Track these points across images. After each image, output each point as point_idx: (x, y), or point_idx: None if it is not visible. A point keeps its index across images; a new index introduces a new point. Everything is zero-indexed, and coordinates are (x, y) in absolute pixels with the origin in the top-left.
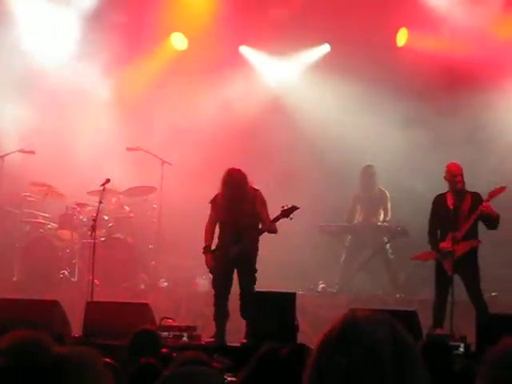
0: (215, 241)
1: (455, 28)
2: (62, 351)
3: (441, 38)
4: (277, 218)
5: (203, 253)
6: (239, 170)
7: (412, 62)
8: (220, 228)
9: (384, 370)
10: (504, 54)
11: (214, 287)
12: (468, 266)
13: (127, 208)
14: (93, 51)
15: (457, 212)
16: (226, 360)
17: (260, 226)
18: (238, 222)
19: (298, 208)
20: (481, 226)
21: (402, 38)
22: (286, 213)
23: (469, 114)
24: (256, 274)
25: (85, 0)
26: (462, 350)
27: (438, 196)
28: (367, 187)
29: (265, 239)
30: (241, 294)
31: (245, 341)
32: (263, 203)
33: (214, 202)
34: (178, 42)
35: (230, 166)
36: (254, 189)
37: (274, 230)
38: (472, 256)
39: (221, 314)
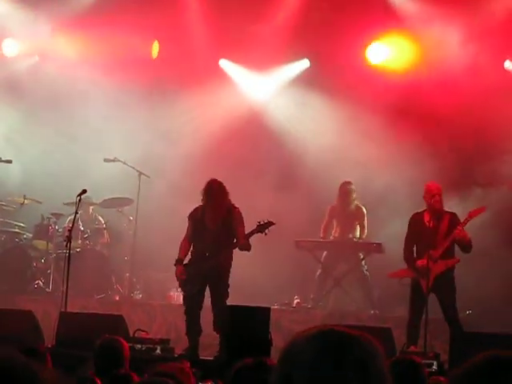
0: (189, 256)
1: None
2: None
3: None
4: (251, 233)
5: (175, 265)
6: (220, 182)
7: (388, 78)
8: (194, 243)
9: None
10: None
11: (184, 303)
12: (445, 285)
13: (103, 219)
14: (67, 57)
15: (434, 231)
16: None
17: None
18: (213, 237)
19: (274, 223)
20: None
21: (379, 53)
22: (261, 228)
23: (445, 128)
24: (228, 289)
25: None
26: (435, 367)
27: (415, 214)
28: (345, 203)
29: (240, 253)
30: (213, 309)
31: (218, 354)
32: (240, 221)
33: (191, 217)
34: (156, 50)
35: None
36: (232, 206)
37: (246, 248)
38: (449, 275)
39: (193, 330)
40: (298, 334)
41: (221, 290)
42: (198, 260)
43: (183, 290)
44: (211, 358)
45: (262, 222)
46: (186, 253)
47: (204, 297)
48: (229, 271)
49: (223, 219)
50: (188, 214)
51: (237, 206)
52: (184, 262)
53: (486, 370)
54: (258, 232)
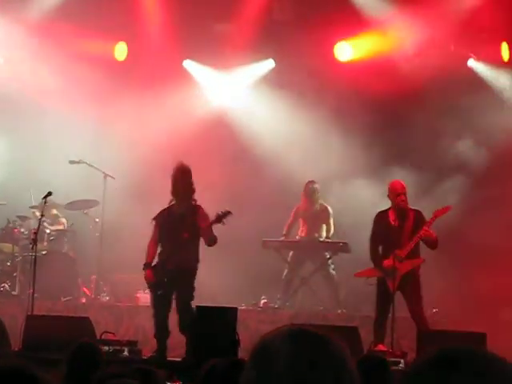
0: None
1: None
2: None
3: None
4: (211, 224)
5: (143, 269)
6: (187, 166)
7: (356, 75)
8: (161, 244)
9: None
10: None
11: (152, 306)
12: (411, 283)
13: (69, 222)
14: (32, 60)
15: (400, 230)
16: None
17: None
18: (179, 237)
19: (231, 213)
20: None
21: (344, 51)
22: (219, 218)
23: (414, 127)
24: (194, 292)
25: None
26: (402, 365)
27: (379, 213)
28: (309, 202)
29: (207, 254)
30: (177, 311)
31: (185, 356)
32: (206, 218)
33: (157, 218)
34: (120, 52)
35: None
36: (196, 204)
37: (211, 238)
38: (415, 274)
39: (161, 332)
40: (270, 333)
41: (186, 291)
42: (164, 261)
43: (151, 292)
44: (179, 359)
45: (220, 213)
46: (153, 256)
47: (172, 300)
48: (194, 273)
49: (189, 218)
50: (154, 216)
51: (198, 204)
52: (153, 264)
53: (435, 365)
54: (216, 223)
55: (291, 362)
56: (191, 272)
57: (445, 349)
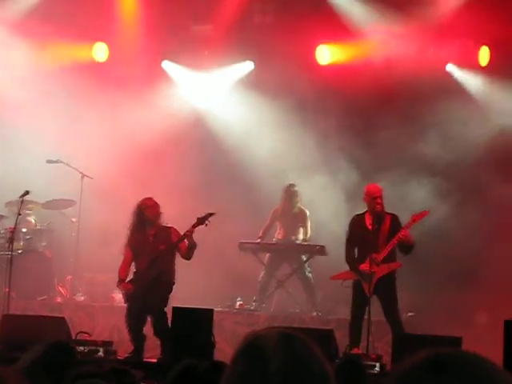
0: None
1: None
2: None
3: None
4: (193, 227)
5: (118, 285)
6: (155, 204)
7: (335, 78)
8: (135, 263)
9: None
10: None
11: (126, 320)
12: (386, 287)
13: (45, 221)
14: (11, 60)
15: (376, 233)
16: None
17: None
18: (154, 248)
19: (214, 213)
20: None
21: (323, 55)
22: (202, 220)
23: (391, 131)
24: (167, 302)
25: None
26: (377, 369)
27: (356, 216)
28: (288, 205)
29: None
30: (152, 316)
31: (161, 357)
32: (179, 233)
33: (130, 244)
34: (100, 53)
35: (144, 198)
36: (166, 227)
37: (192, 246)
38: (391, 278)
39: (136, 340)
40: (261, 333)
41: (160, 300)
42: (142, 274)
43: (127, 305)
44: (155, 360)
45: (200, 216)
46: (126, 274)
47: (147, 314)
48: (171, 288)
49: (163, 234)
50: (125, 243)
51: (170, 225)
52: (127, 280)
53: (423, 368)
54: (198, 225)
55: (288, 362)
56: (168, 286)
57: (433, 352)
